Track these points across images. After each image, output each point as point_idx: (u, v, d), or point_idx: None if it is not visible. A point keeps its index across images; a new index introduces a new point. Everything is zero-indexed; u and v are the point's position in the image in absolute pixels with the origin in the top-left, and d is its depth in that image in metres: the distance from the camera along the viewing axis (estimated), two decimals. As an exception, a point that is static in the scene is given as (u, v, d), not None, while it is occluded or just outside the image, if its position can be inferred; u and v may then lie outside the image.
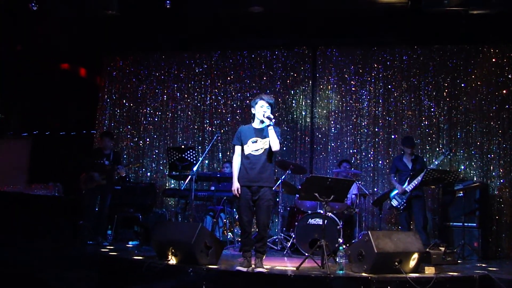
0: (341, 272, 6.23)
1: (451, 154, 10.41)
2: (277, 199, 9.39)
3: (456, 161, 10.72)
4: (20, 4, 9.50)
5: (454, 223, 9.88)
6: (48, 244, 8.57)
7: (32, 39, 11.36)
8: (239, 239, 8.29)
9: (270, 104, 6.63)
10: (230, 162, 9.90)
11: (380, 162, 11.29)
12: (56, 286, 6.83)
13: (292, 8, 10.02)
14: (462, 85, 11.08)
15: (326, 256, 6.43)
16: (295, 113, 11.84)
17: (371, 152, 11.36)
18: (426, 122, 11.18)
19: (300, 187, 9.21)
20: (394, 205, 9.63)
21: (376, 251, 6.05)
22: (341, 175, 9.97)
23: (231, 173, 6.93)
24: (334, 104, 11.67)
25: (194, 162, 8.97)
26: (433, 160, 10.35)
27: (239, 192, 6.54)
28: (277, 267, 6.83)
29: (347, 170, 10.18)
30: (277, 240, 9.34)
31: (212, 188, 9.57)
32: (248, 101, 11.62)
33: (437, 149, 10.83)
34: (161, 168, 12.30)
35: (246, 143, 6.61)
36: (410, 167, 9.48)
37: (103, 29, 10.93)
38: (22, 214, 9.56)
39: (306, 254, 7.41)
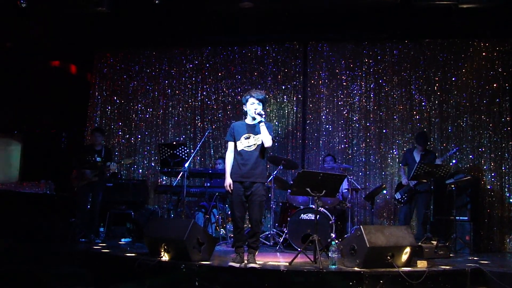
0: (333, 266, 6.26)
1: (457, 153, 10.47)
2: (269, 195, 9.39)
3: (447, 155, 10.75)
4: (9, 1, 9.44)
5: (446, 217, 9.91)
6: (40, 242, 8.55)
7: (22, 36, 11.30)
8: (232, 235, 8.30)
9: (260, 100, 6.64)
10: (222, 158, 9.92)
11: (372, 156, 11.32)
12: (49, 283, 6.81)
13: (282, 3, 10.01)
14: (453, 79, 11.12)
15: (319, 251, 6.45)
16: (286, 109, 11.84)
17: (363, 147, 11.37)
18: (417, 116, 11.22)
19: (292, 182, 9.21)
20: (397, 198, 9.75)
21: (368, 246, 6.08)
22: (329, 170, 9.94)
23: (223, 170, 6.93)
24: (325, 99, 11.68)
25: (186, 158, 8.96)
26: (437, 156, 10.29)
27: (232, 188, 6.55)
28: (270, 263, 6.84)
29: (338, 165, 10.18)
30: (269, 235, 9.36)
31: (208, 184, 9.54)
32: (239, 97, 11.60)
33: (429, 143, 10.84)
34: (152, 164, 12.28)
35: (239, 139, 6.63)
36: (417, 161, 9.50)
37: (93, 25, 10.87)
38: (13, 212, 9.52)
39: (299, 249, 7.41)
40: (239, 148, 6.62)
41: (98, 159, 9.61)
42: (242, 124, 6.79)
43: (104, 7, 9.38)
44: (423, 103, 11.22)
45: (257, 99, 6.63)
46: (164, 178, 11.88)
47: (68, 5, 9.58)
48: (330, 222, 8.74)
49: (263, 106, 6.66)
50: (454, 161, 10.67)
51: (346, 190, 9.81)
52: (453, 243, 9.15)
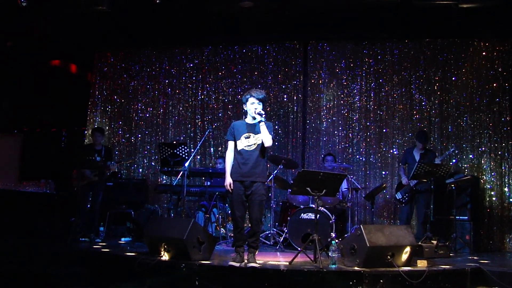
0: (333, 266, 6.26)
1: (456, 151, 10.49)
2: (270, 194, 9.39)
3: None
4: (10, 0, 9.44)
5: (446, 216, 9.91)
6: (40, 241, 8.55)
7: (23, 36, 11.30)
8: (232, 235, 8.30)
9: (260, 99, 6.64)
10: (223, 157, 9.91)
11: (372, 156, 11.32)
12: (49, 282, 6.81)
13: (282, 3, 10.01)
14: (453, 78, 11.12)
15: (319, 251, 6.46)
16: (286, 108, 11.84)
17: (363, 146, 11.38)
18: (417, 116, 11.21)
19: (292, 181, 9.22)
20: (398, 198, 9.75)
21: (368, 245, 6.08)
22: (329, 169, 9.94)
23: (223, 169, 6.93)
24: (325, 98, 11.68)
25: (186, 157, 8.96)
26: (437, 155, 10.25)
27: (232, 187, 6.55)
28: (270, 262, 6.84)
29: (338, 164, 10.19)
30: (269, 235, 9.36)
31: (208, 183, 9.54)
32: (239, 96, 11.60)
33: (429, 142, 10.81)
34: (153, 164, 12.28)
35: (239, 139, 6.63)
36: (417, 161, 9.49)
37: (93, 25, 10.87)
38: (13, 212, 9.53)
39: (299, 248, 7.42)
40: (239, 148, 6.62)
41: (98, 158, 9.61)
42: (242, 123, 6.79)
43: (104, 6, 9.38)
44: (423, 103, 11.22)
45: (257, 98, 6.63)
46: (164, 177, 11.88)
47: (69, 5, 9.58)
48: (330, 221, 8.74)
49: (263, 106, 6.66)
50: (454, 160, 10.68)
51: (346, 190, 9.81)
52: (453, 243, 9.15)
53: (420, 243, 7.59)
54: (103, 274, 6.89)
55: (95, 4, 9.39)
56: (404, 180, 9.69)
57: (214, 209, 9.67)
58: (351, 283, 5.84)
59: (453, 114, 11.05)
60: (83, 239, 9.19)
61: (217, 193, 9.27)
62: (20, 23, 10.70)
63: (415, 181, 9.37)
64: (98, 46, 12.67)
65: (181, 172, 8.77)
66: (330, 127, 11.58)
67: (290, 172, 11.31)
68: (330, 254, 6.41)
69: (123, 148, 12.44)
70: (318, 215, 7.18)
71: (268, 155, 7.38)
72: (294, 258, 6.64)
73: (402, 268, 6.20)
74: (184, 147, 9.09)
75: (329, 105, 11.64)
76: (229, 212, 8.92)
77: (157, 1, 9.36)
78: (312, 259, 6.70)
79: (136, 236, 9.61)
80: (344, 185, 9.71)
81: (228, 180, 6.59)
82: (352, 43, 11.70)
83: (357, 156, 11.40)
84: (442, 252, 7.84)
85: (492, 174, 10.64)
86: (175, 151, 9.07)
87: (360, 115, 11.49)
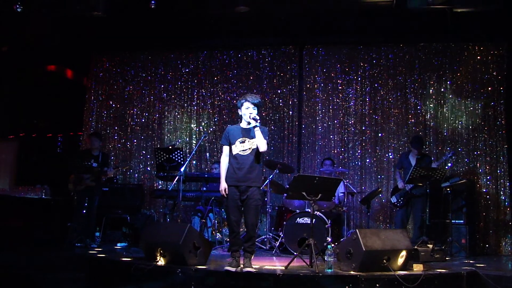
0: (329, 270, 6.25)
1: (453, 157, 10.50)
2: (265, 199, 9.39)
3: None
4: (5, 5, 9.44)
5: (442, 220, 9.92)
6: (36, 247, 8.54)
7: (18, 41, 11.30)
8: (228, 239, 8.29)
9: (255, 104, 6.61)
10: (218, 163, 9.88)
11: (368, 160, 11.32)
12: (44, 288, 6.82)
13: (278, 7, 10.03)
14: (448, 82, 11.16)
15: (315, 255, 6.45)
16: (282, 113, 11.84)
17: (359, 151, 11.39)
18: (413, 120, 11.24)
19: (288, 186, 9.22)
20: (393, 201, 9.77)
21: (364, 249, 6.08)
22: (326, 174, 9.97)
23: (219, 174, 6.92)
24: (321, 103, 11.69)
25: (182, 162, 8.96)
26: (433, 160, 10.25)
27: (227, 192, 6.54)
28: (266, 267, 6.83)
29: (334, 169, 10.19)
30: (265, 239, 9.35)
31: (204, 188, 9.55)
32: (235, 101, 11.56)
33: (424, 146, 10.83)
34: (148, 169, 12.25)
35: (234, 143, 6.61)
36: (413, 165, 9.51)
37: (89, 30, 10.88)
38: (9, 217, 9.50)
39: (295, 253, 7.41)
40: (234, 152, 6.61)
41: (95, 164, 9.59)
42: (237, 128, 6.76)
43: (100, 11, 9.38)
44: (418, 107, 11.25)
45: (252, 103, 6.61)
46: (160, 182, 11.85)
47: (64, 10, 9.58)
48: (326, 226, 8.74)
49: (258, 111, 6.64)
50: (449, 164, 10.70)
51: (342, 194, 9.82)
52: (449, 247, 9.16)
53: (416, 247, 7.59)
54: (99, 280, 6.88)
55: (91, 9, 9.38)
56: (400, 184, 9.71)
57: (210, 214, 9.67)
58: (347, 287, 5.84)
59: (448, 118, 11.07)
60: (79, 244, 9.17)
61: (213, 198, 9.27)
62: (15, 28, 10.69)
63: (411, 185, 9.39)
64: (94, 51, 12.66)
65: (177, 177, 8.77)
66: (325, 132, 11.59)
67: (286, 177, 11.30)
68: (326, 259, 6.41)
69: (118, 153, 12.41)
70: (314, 220, 7.19)
71: (263, 159, 7.37)
72: (290, 263, 6.63)
73: (398, 272, 6.20)
74: (179, 152, 9.10)
75: (324, 109, 11.64)
76: (225, 217, 8.95)
77: (152, 6, 9.37)
78: (308, 263, 6.69)
79: (132, 241, 9.59)
80: (340, 189, 9.72)
81: (223, 185, 6.58)
82: (347, 48, 11.73)
83: (353, 161, 11.40)
84: (438, 256, 7.85)
85: (488, 177, 10.68)
86: (171, 156, 9.08)
87: (356, 120, 11.50)
